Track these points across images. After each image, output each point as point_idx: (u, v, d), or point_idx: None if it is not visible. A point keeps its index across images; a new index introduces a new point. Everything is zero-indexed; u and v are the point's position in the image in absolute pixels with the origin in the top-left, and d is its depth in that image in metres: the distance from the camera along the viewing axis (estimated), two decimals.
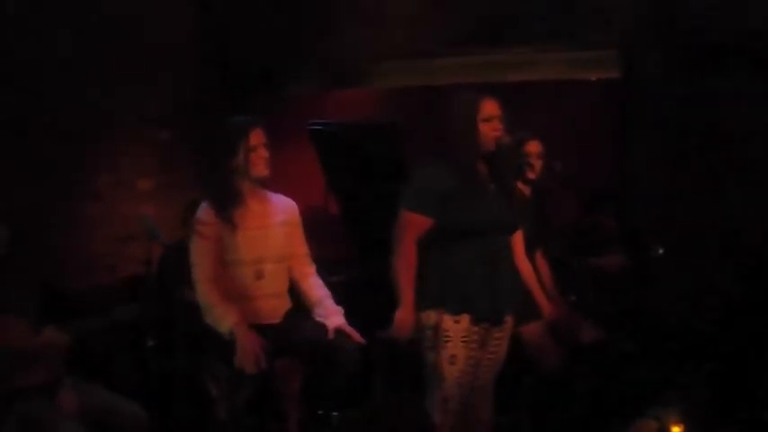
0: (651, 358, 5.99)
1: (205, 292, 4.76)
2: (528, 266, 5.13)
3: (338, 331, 4.78)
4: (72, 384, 4.44)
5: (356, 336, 4.82)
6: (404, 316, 4.51)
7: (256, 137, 4.81)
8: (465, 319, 4.46)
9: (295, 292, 5.02)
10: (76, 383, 4.48)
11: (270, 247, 4.87)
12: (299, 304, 5.00)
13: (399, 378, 5.82)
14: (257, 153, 4.81)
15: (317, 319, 4.87)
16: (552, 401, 5.58)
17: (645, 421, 5.13)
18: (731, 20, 6.77)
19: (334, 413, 5.24)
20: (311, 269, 5.04)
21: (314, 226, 5.25)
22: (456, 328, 4.45)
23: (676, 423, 5.00)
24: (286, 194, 5.06)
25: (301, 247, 5.02)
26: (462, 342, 4.47)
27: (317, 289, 4.99)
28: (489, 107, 4.48)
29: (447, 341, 4.47)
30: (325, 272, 5.16)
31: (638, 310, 6.28)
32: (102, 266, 6.85)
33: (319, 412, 5.30)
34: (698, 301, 6.51)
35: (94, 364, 5.31)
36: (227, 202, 4.81)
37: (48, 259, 6.29)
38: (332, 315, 4.86)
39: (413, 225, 4.48)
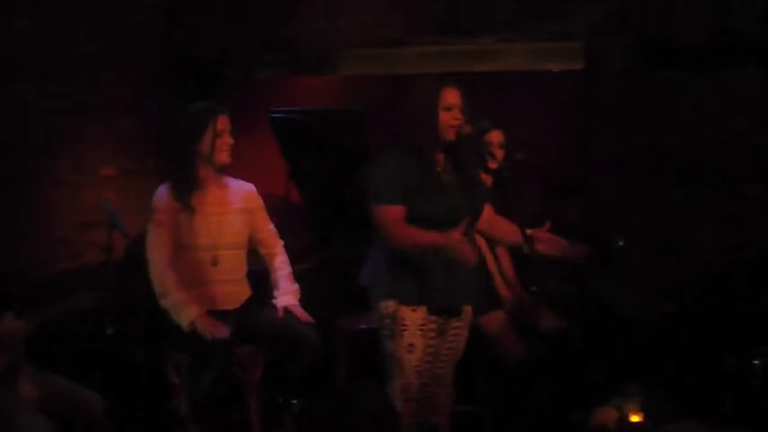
0: (612, 348, 6.02)
1: (161, 276, 4.77)
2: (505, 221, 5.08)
3: (286, 311, 4.83)
4: (31, 373, 4.41)
5: (304, 315, 4.87)
6: (450, 237, 4.29)
7: (223, 123, 4.86)
8: (422, 308, 4.46)
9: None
10: (35, 373, 4.45)
11: (226, 233, 4.88)
12: (259, 291, 5.02)
13: (361, 365, 5.83)
14: (222, 139, 4.83)
15: (273, 300, 4.91)
16: (513, 391, 5.60)
17: (605, 410, 5.15)
18: (696, 15, 6.81)
19: (294, 401, 5.24)
20: (278, 248, 5.09)
21: (275, 214, 5.25)
22: (413, 317, 4.45)
23: (636, 413, 5.02)
24: (248, 181, 5.06)
25: (266, 229, 5.06)
26: (420, 331, 4.47)
27: (279, 269, 5.06)
28: (450, 95, 4.48)
29: (404, 330, 4.47)
30: None
31: (598, 300, 6.31)
32: (63, 253, 6.81)
33: (279, 400, 5.30)
34: (658, 293, 6.55)
35: (54, 352, 5.28)
36: (188, 186, 4.82)
37: (7, 246, 6.24)
38: (282, 295, 4.90)
39: (392, 216, 4.43)
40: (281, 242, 5.14)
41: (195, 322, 4.62)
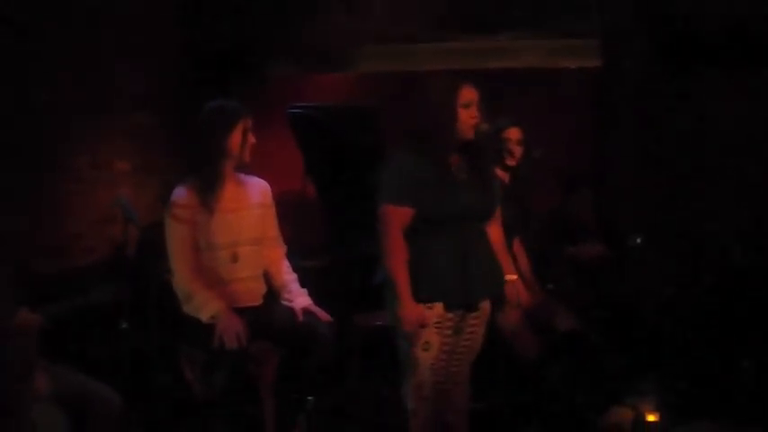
0: (628, 347, 6.00)
1: (185, 281, 4.76)
2: (506, 253, 5.09)
3: (306, 312, 4.82)
4: (45, 367, 4.41)
5: (323, 315, 4.88)
6: (406, 310, 4.40)
7: (249, 122, 4.84)
8: (438, 306, 4.43)
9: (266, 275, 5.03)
10: (50, 366, 4.45)
11: (245, 229, 4.87)
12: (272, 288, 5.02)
13: (375, 363, 5.82)
14: (248, 138, 4.83)
15: (284, 303, 4.89)
16: (529, 389, 5.58)
17: (620, 409, 5.14)
18: (713, 11, 6.78)
19: (309, 398, 5.23)
20: (280, 253, 5.07)
21: (291, 210, 5.24)
22: (429, 315, 4.42)
23: (652, 412, 5.01)
24: (264, 178, 5.06)
25: (272, 230, 5.04)
26: (436, 328, 4.44)
27: (284, 273, 5.03)
28: (468, 92, 4.45)
29: (420, 328, 4.44)
30: (301, 256, 5.14)
31: (615, 298, 6.29)
32: (78, 248, 6.81)
33: (294, 396, 5.29)
34: (674, 291, 6.52)
35: (69, 346, 5.28)
36: (211, 184, 4.80)
37: (23, 240, 6.24)
38: (298, 297, 4.92)
39: (396, 217, 4.41)
40: (284, 247, 5.11)
41: (218, 315, 4.62)
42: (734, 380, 5.70)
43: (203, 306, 4.68)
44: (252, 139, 4.85)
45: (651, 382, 5.33)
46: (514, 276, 4.83)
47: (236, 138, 4.81)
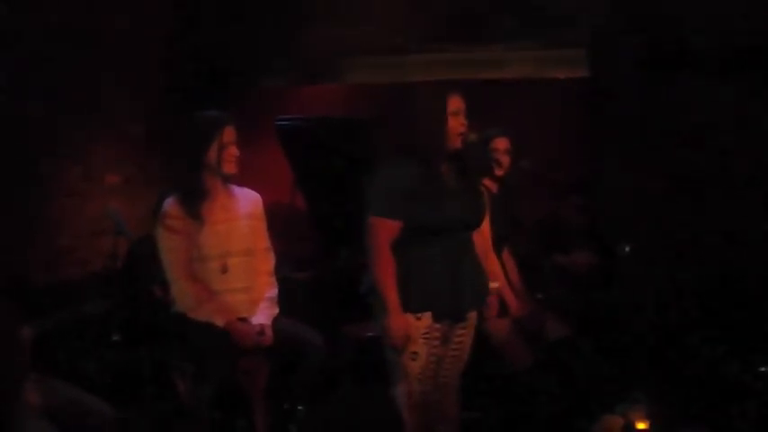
0: (618, 356, 6.01)
1: (189, 289, 4.77)
2: (493, 258, 5.11)
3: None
4: (37, 381, 4.41)
5: (268, 339, 4.84)
6: (394, 322, 4.40)
7: (229, 134, 4.84)
8: (426, 316, 4.45)
9: None
10: (41, 380, 4.45)
11: (235, 240, 4.88)
12: None
13: (366, 373, 5.82)
14: (229, 150, 4.82)
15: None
16: (519, 397, 5.59)
17: (611, 418, 5.14)
18: (701, 20, 6.81)
19: (300, 407, 5.24)
20: (268, 266, 5.05)
21: (281, 222, 5.25)
22: (417, 325, 4.43)
23: (642, 420, 5.01)
24: (253, 189, 5.06)
25: (263, 242, 5.04)
26: (424, 338, 4.44)
27: (263, 288, 5.01)
28: (455, 101, 4.48)
29: (408, 340, 4.45)
30: (290, 268, 5.13)
31: (604, 307, 6.30)
32: (70, 261, 6.82)
33: (285, 406, 5.30)
34: (664, 300, 6.54)
35: (61, 359, 5.29)
36: (195, 197, 4.81)
37: (15, 253, 6.25)
38: (257, 313, 4.91)
39: (383, 230, 4.41)
40: (273, 260, 5.12)
41: (227, 329, 4.66)
42: (724, 386, 5.71)
43: (217, 311, 4.74)
44: (234, 150, 4.85)
45: (641, 390, 5.33)
46: (497, 284, 4.85)
47: (213, 149, 4.82)
